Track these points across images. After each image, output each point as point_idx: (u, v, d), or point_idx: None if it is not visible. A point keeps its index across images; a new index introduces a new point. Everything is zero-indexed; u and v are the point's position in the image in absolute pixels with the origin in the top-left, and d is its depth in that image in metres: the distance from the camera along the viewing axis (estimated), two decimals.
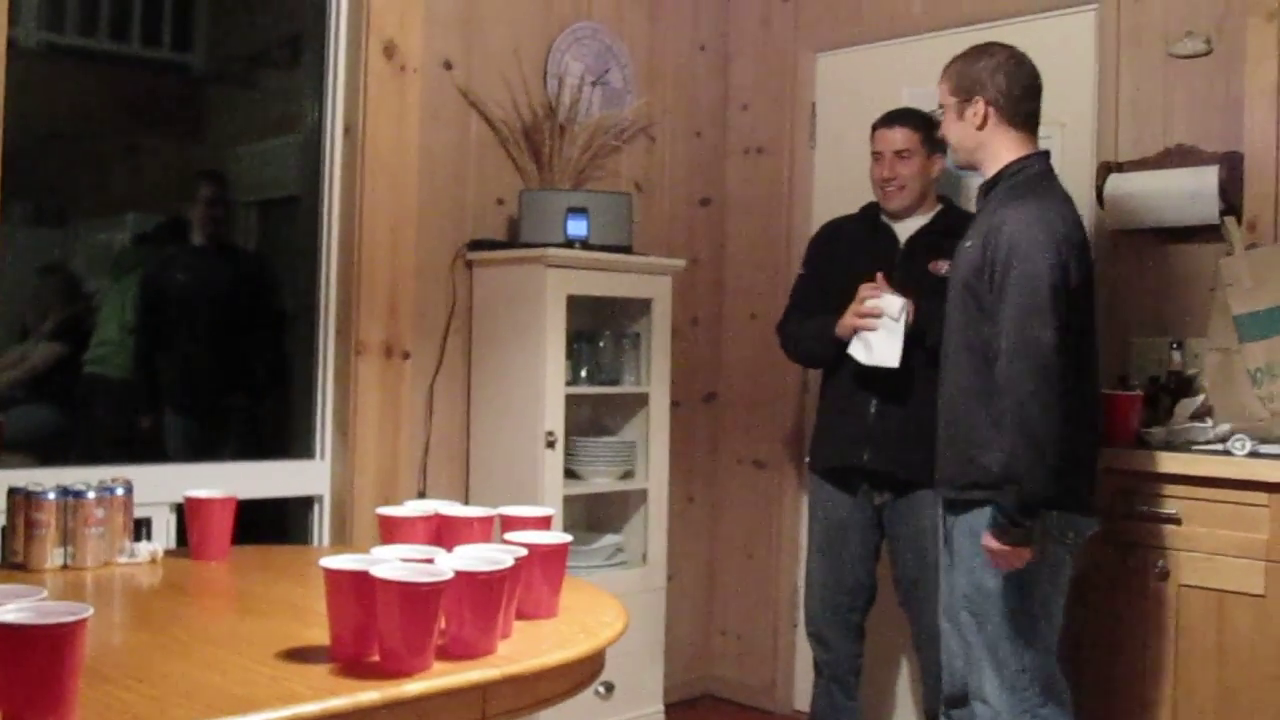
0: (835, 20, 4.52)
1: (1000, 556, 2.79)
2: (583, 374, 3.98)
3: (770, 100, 4.70)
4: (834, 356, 3.63)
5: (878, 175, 3.68)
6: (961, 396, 2.93)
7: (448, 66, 3.93)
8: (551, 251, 3.74)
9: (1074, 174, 3.10)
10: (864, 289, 3.48)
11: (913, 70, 4.28)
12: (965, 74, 3.01)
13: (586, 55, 4.29)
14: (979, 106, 2.97)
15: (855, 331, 3.49)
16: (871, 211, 3.81)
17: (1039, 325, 2.73)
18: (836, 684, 3.76)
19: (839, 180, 4.44)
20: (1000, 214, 2.88)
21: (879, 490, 3.62)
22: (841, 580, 3.72)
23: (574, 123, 4.15)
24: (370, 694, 1.64)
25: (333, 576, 1.78)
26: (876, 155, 3.69)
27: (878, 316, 3.44)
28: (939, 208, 3.72)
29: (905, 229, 3.70)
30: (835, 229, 3.92)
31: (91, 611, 1.50)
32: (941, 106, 3.07)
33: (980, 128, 2.99)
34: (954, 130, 3.05)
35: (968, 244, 2.98)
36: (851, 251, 3.75)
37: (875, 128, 3.72)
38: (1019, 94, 2.97)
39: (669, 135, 4.62)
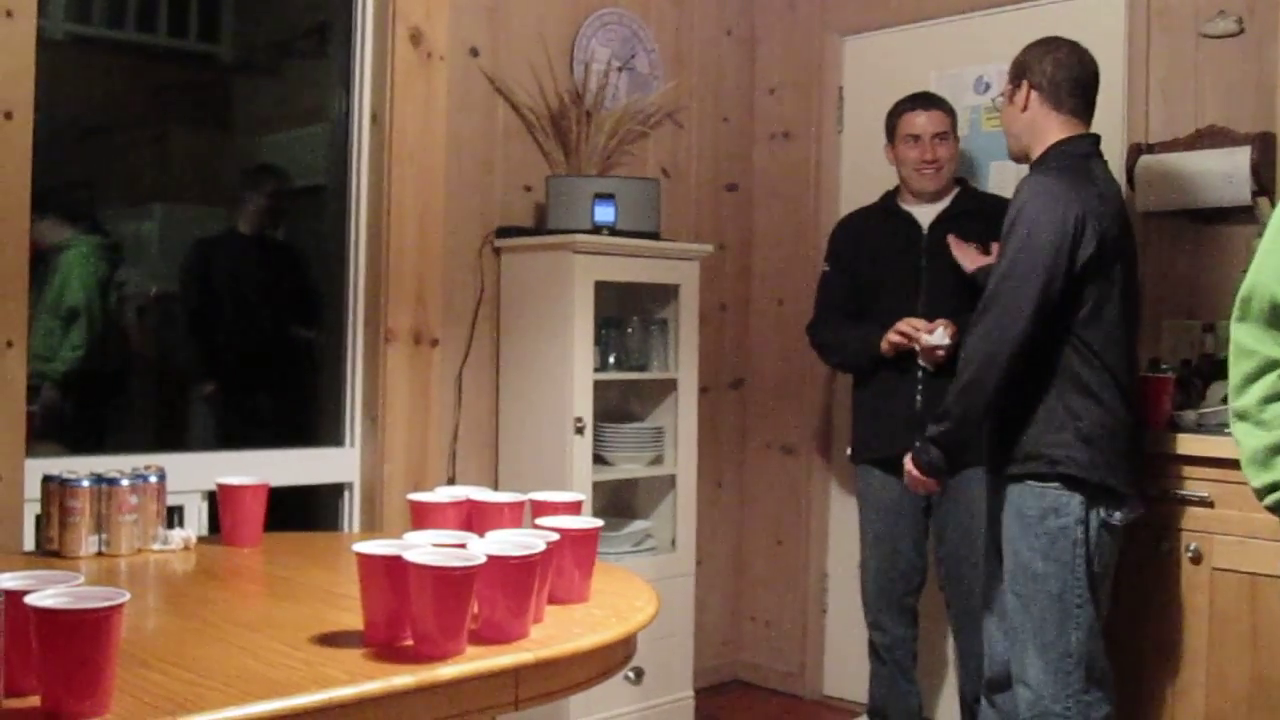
0: (862, 4, 4.49)
1: (918, 483, 3.16)
2: (611, 360, 3.98)
3: (797, 85, 4.68)
4: (873, 368, 3.69)
5: (917, 157, 3.67)
6: None
7: (474, 53, 3.93)
8: (579, 238, 3.73)
9: (1104, 156, 3.10)
10: (905, 323, 3.55)
11: (940, 54, 4.26)
12: (1020, 60, 3.08)
13: (613, 40, 4.28)
14: (1024, 89, 3.02)
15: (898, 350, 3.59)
16: (890, 200, 3.81)
17: (1020, 290, 2.81)
18: (897, 669, 3.76)
19: (866, 165, 4.42)
20: (1021, 182, 2.94)
21: None
22: (895, 565, 3.73)
23: (600, 109, 4.15)
24: (404, 678, 1.64)
25: (366, 561, 1.79)
26: (913, 138, 3.68)
27: (916, 341, 3.53)
28: (956, 189, 3.73)
29: (926, 214, 3.69)
30: (854, 221, 3.93)
31: (128, 596, 1.51)
32: (1001, 94, 3.17)
33: (1024, 110, 3.01)
34: (1005, 115, 3.12)
35: None
36: (875, 243, 3.76)
37: (906, 111, 3.72)
38: (1062, 80, 2.99)
39: (696, 120, 4.61)
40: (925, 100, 3.73)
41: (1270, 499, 2.09)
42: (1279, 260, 2.09)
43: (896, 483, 3.67)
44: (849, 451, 3.89)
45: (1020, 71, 3.05)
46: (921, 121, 3.68)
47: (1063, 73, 2.99)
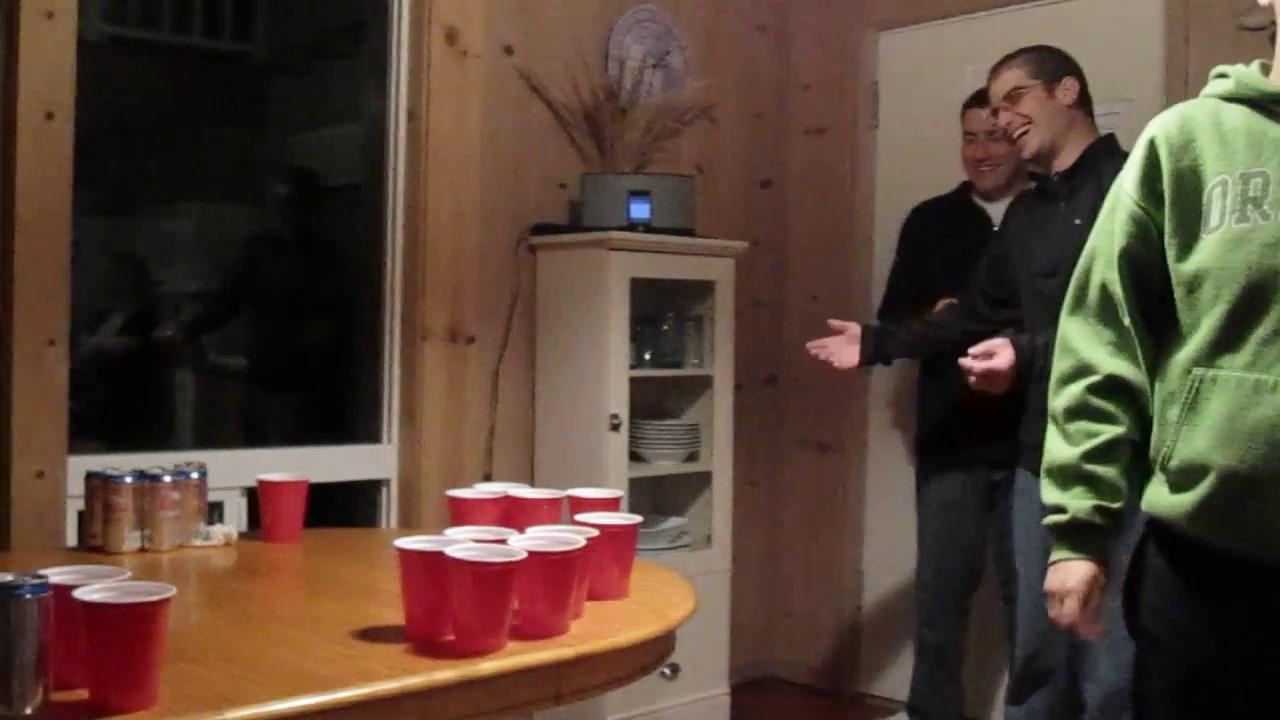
0: None
1: (992, 377, 2.91)
2: (646, 357, 3.98)
3: (831, 80, 4.66)
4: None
5: (971, 155, 3.65)
6: None
7: (509, 51, 3.93)
8: (614, 235, 3.74)
9: None
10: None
11: (976, 49, 4.22)
12: (1047, 59, 3.04)
13: (647, 38, 4.28)
14: (1072, 84, 3.00)
15: None
16: (964, 192, 3.77)
17: None
18: (942, 669, 3.73)
19: (901, 160, 4.41)
20: (1110, 166, 2.88)
21: (996, 468, 3.57)
22: (955, 563, 3.70)
23: (635, 105, 4.14)
24: (446, 672, 1.65)
25: (408, 557, 1.80)
26: (969, 135, 3.65)
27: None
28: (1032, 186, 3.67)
29: (999, 211, 3.64)
30: (925, 212, 3.88)
31: (174, 591, 1.52)
32: (1019, 88, 3.03)
33: (1073, 105, 3.00)
34: (1044, 108, 3.01)
35: (1076, 222, 2.93)
36: (943, 236, 3.72)
37: (971, 105, 3.67)
38: (1087, 84, 3.03)
39: (729, 117, 4.60)
40: (984, 96, 3.66)
41: (1051, 520, 1.95)
42: (1109, 242, 1.94)
43: (959, 481, 3.65)
44: (915, 447, 3.86)
45: (1058, 67, 3.02)
46: (976, 118, 3.63)
47: (1085, 78, 3.03)
